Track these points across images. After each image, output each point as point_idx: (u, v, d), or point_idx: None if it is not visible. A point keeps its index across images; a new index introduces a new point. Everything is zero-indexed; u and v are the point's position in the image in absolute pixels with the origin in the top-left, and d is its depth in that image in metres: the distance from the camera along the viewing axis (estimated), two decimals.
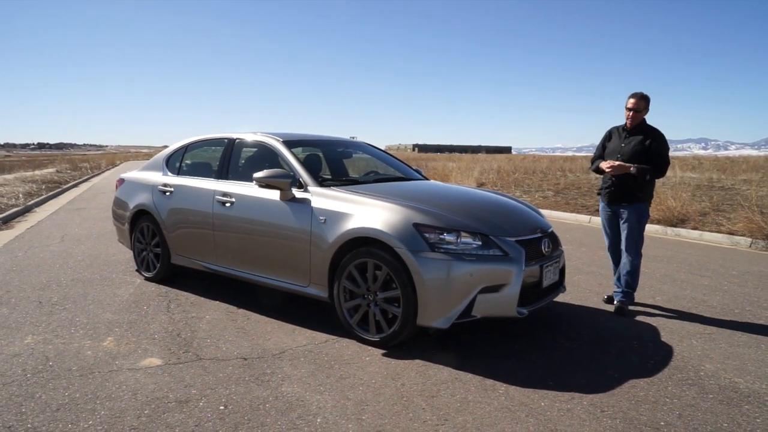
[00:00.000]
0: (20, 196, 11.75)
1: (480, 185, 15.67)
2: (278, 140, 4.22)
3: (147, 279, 4.98)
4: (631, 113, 4.11)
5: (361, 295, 3.41)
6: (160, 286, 4.80)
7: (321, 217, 3.56)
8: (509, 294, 3.17)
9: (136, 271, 5.17)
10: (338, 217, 3.49)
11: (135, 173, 5.39)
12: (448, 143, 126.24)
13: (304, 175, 3.87)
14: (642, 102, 4.09)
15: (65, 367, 3.01)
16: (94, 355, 3.20)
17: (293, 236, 3.70)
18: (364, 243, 3.38)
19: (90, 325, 3.73)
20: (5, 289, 4.66)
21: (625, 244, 4.16)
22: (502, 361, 3.15)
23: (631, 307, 4.22)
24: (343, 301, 3.50)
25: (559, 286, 3.78)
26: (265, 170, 3.82)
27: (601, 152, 4.39)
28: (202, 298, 4.42)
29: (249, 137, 4.48)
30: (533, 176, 16.88)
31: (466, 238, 3.22)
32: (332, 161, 4.89)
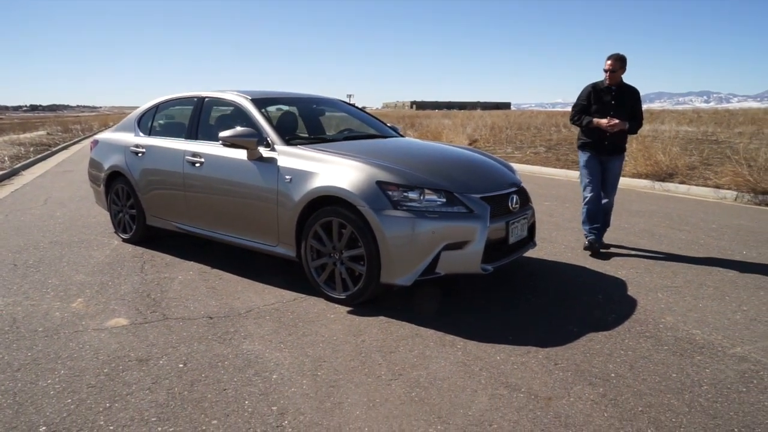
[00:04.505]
0: (6, 159, 11.65)
1: (473, 142, 15.52)
2: (246, 98, 4.13)
3: (124, 241, 4.98)
4: (607, 74, 4.44)
5: (327, 253, 3.41)
6: (137, 247, 4.81)
7: (287, 177, 3.52)
8: (473, 251, 3.17)
9: (114, 233, 5.17)
10: (303, 175, 3.45)
11: (108, 134, 5.31)
12: (447, 100, 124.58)
13: (271, 133, 3.80)
14: (618, 63, 4.40)
15: (31, 329, 3.04)
16: (61, 316, 3.23)
17: (261, 196, 3.68)
18: (328, 202, 3.35)
19: (61, 287, 3.75)
20: None
21: (610, 190, 4.68)
22: (465, 317, 3.18)
23: (603, 259, 4.29)
24: (310, 260, 3.51)
25: (528, 242, 3.78)
26: (230, 129, 3.75)
27: (586, 108, 4.63)
28: (178, 259, 4.43)
29: (218, 95, 4.39)
30: (527, 132, 16.71)
31: (430, 196, 3.19)
32: (308, 119, 4.82)
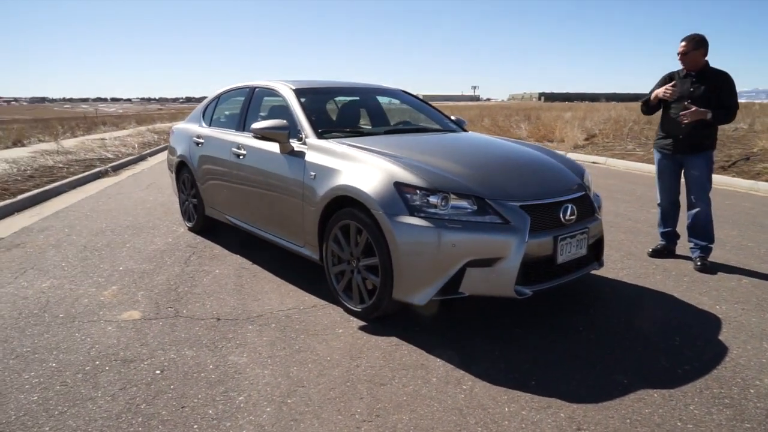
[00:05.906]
0: (135, 146, 12.91)
1: (590, 137, 14.13)
2: (289, 87, 3.92)
3: (189, 229, 5.10)
4: (680, 57, 3.84)
5: (346, 260, 3.08)
6: (197, 237, 4.88)
7: (312, 172, 3.25)
8: (505, 269, 2.63)
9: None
10: (326, 172, 3.15)
11: (181, 124, 5.46)
12: (578, 92, 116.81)
13: (306, 126, 3.55)
14: (691, 44, 3.76)
15: (54, 314, 3.11)
16: (87, 303, 3.28)
17: (289, 190, 3.45)
18: (347, 203, 3.01)
19: (107, 273, 3.86)
20: (66, 232, 5.04)
21: (697, 195, 3.94)
22: (489, 349, 2.65)
23: (701, 287, 3.40)
24: (330, 265, 3.21)
25: (591, 261, 3.11)
26: (263, 121, 3.57)
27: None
28: (226, 252, 4.40)
29: (265, 85, 4.24)
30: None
31: (457, 202, 2.70)
32: (370, 111, 4.53)
